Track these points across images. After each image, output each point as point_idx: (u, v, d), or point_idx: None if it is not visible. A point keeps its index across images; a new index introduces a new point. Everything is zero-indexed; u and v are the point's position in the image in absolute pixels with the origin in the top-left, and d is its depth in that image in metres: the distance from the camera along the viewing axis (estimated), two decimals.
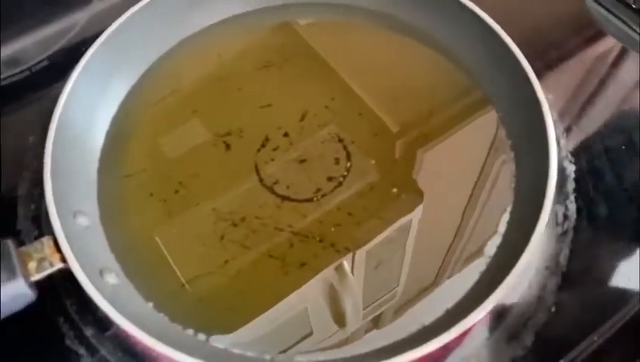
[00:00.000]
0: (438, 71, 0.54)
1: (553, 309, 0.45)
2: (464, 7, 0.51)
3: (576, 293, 0.46)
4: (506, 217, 0.45)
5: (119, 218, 0.46)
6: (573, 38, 0.61)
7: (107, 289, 0.40)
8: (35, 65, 0.57)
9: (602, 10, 0.63)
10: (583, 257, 0.47)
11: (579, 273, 0.47)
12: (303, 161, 0.49)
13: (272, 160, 0.49)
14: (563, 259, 0.47)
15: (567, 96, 0.56)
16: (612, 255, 0.48)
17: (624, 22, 0.62)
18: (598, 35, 0.61)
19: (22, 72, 0.57)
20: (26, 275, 0.38)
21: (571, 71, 0.58)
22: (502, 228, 0.45)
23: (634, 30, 0.61)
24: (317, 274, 0.44)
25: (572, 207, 0.49)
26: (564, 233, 0.48)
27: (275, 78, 0.54)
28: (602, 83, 0.58)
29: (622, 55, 0.60)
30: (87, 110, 0.49)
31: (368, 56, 0.55)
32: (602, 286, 0.47)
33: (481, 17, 0.50)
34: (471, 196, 0.47)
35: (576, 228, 0.48)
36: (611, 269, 0.47)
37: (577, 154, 0.52)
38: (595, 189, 0.50)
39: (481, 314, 0.37)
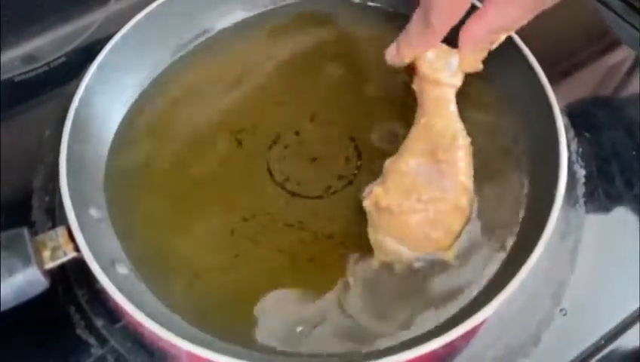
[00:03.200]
0: None
1: (563, 313, 0.45)
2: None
3: (584, 297, 0.46)
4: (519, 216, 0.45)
5: (130, 211, 0.47)
6: (587, 47, 0.61)
7: (118, 279, 0.41)
8: (52, 61, 0.58)
9: (617, 19, 0.63)
10: (593, 260, 0.47)
11: (588, 277, 0.47)
12: (313, 160, 0.50)
13: (284, 157, 0.50)
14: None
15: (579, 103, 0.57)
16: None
17: (637, 29, 0.62)
18: (612, 44, 0.61)
19: (40, 67, 0.58)
20: (40, 263, 0.39)
21: (584, 79, 0.59)
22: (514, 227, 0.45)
23: None
24: (326, 270, 0.44)
25: (581, 210, 0.49)
26: (572, 234, 0.48)
27: (287, 76, 0.55)
28: (615, 91, 0.59)
29: (636, 64, 0.60)
30: (102, 106, 0.50)
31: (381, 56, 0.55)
32: (610, 291, 0.46)
33: None
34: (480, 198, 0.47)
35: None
36: (620, 274, 0.47)
37: (587, 158, 0.52)
38: (605, 194, 0.50)
39: (489, 311, 0.38)
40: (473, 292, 0.42)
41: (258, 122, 0.52)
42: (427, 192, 0.41)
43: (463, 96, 0.47)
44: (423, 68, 0.45)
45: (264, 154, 0.50)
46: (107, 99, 0.50)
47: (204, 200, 0.48)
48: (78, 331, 0.44)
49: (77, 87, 0.48)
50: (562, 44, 0.61)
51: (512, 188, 0.47)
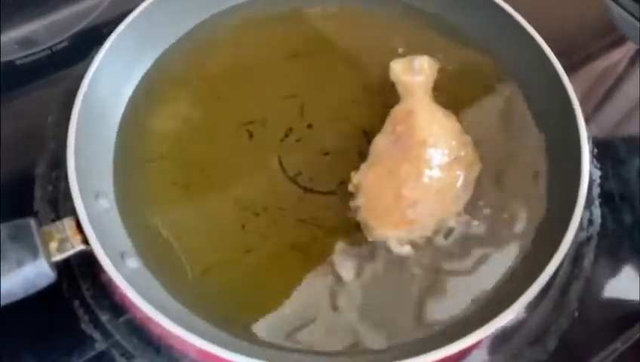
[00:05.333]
0: (467, 66, 0.53)
1: (576, 314, 0.44)
2: (497, 6, 0.51)
3: (599, 299, 0.46)
4: (537, 218, 0.45)
5: (139, 203, 0.45)
6: (595, 42, 0.61)
7: (128, 273, 0.39)
8: (55, 45, 0.56)
9: (627, 16, 0.63)
10: (607, 263, 0.47)
11: (603, 278, 0.46)
12: (326, 154, 0.48)
13: (296, 151, 0.48)
14: (587, 264, 0.47)
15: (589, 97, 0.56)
16: (637, 261, 0.47)
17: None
18: (619, 40, 0.61)
19: (42, 51, 0.56)
20: (48, 255, 0.37)
21: (591, 73, 0.58)
22: (533, 228, 0.44)
23: None
24: (339, 267, 0.43)
25: (597, 212, 0.49)
26: (589, 238, 0.48)
27: (300, 68, 0.53)
28: (619, 84, 0.58)
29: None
30: (110, 91, 0.48)
31: (394, 48, 0.54)
32: (627, 295, 0.46)
33: (518, 20, 0.50)
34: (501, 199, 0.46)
35: (600, 234, 0.48)
36: (635, 276, 0.47)
37: (602, 159, 0.51)
38: (619, 195, 0.50)
39: (509, 315, 0.37)
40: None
41: (268, 114, 0.50)
42: (390, 156, 0.45)
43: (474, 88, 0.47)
44: (393, 76, 0.51)
45: (276, 148, 0.49)
46: (116, 83, 0.49)
47: (214, 193, 0.46)
48: (83, 326, 0.42)
49: (81, 70, 0.47)
50: (571, 37, 0.60)
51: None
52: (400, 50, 0.53)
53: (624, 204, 0.50)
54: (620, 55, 0.60)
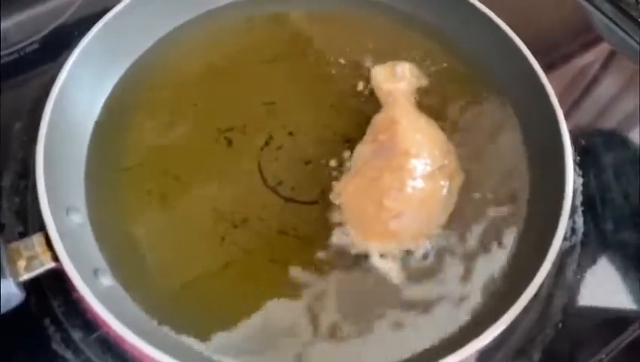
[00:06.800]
0: (451, 74, 0.52)
1: (560, 325, 0.44)
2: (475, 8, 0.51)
3: (583, 309, 0.45)
4: (521, 230, 0.44)
5: (113, 216, 0.43)
6: (570, 42, 0.61)
7: (102, 290, 0.37)
8: (25, 47, 0.54)
9: (605, 20, 0.62)
10: (590, 272, 0.47)
11: (586, 288, 0.46)
12: (308, 162, 0.47)
13: (276, 159, 0.47)
14: (570, 273, 0.46)
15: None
16: (620, 271, 0.47)
17: (625, 32, 0.61)
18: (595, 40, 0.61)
19: (10, 54, 0.53)
20: (15, 275, 0.36)
21: (566, 74, 0.58)
22: (518, 240, 0.44)
23: (635, 40, 0.60)
24: (322, 280, 0.42)
25: (579, 220, 0.48)
26: (572, 247, 0.47)
27: (279, 73, 0.52)
28: (593, 84, 0.58)
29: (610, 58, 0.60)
30: (82, 98, 0.46)
31: (377, 51, 0.53)
32: (610, 302, 0.46)
33: (498, 24, 0.50)
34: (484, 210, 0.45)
35: (583, 243, 0.48)
36: (619, 285, 0.46)
37: (585, 166, 0.51)
38: (602, 203, 0.50)
39: (499, 329, 0.36)
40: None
41: (248, 121, 0.49)
42: (371, 166, 0.44)
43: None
44: (375, 82, 0.51)
45: (256, 156, 0.47)
46: (89, 90, 0.47)
47: (192, 203, 0.45)
48: (54, 345, 0.40)
49: (52, 74, 0.45)
50: (549, 39, 0.60)
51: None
52: (382, 55, 0.52)
53: (606, 211, 0.50)
54: (596, 55, 0.60)
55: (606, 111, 0.56)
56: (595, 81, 0.58)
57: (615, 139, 0.55)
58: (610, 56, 0.60)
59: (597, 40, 0.61)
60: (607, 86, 0.58)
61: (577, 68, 0.59)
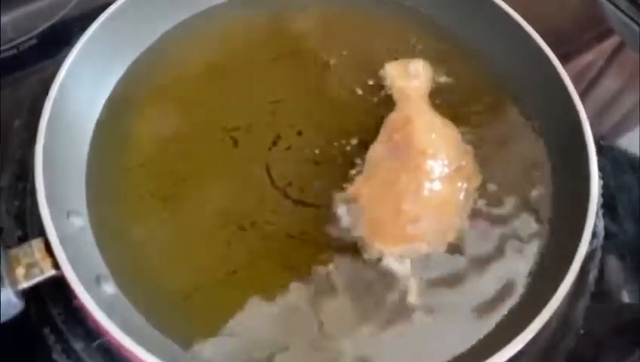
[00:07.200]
0: (466, 73, 0.50)
1: (582, 332, 0.42)
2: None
3: (605, 316, 0.44)
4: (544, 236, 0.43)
5: (116, 218, 0.42)
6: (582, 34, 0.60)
7: (105, 299, 0.36)
8: (23, 42, 0.52)
9: (618, 13, 0.61)
10: (612, 277, 0.45)
11: (608, 294, 0.44)
12: (317, 163, 0.45)
13: (285, 160, 0.45)
14: (592, 279, 0.44)
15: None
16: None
17: (635, 21, 0.60)
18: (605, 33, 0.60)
19: (8, 50, 0.51)
20: (14, 283, 0.34)
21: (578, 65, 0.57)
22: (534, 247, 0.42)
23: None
24: (334, 286, 0.40)
25: (600, 224, 0.47)
26: (593, 251, 0.45)
27: (285, 71, 0.50)
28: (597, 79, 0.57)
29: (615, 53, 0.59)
30: (83, 97, 0.44)
31: (389, 49, 0.51)
32: (633, 309, 0.44)
33: (517, 20, 0.48)
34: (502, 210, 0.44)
35: (604, 247, 0.46)
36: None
37: (604, 167, 0.49)
38: (622, 206, 0.48)
39: (524, 340, 0.35)
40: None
41: (254, 120, 0.47)
42: (386, 167, 0.42)
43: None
44: (388, 80, 0.49)
45: (263, 156, 0.45)
46: (90, 87, 0.45)
47: (197, 206, 0.43)
48: (55, 356, 0.39)
49: (51, 71, 0.43)
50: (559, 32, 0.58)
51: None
52: (394, 53, 0.51)
53: (627, 213, 0.48)
54: (607, 48, 0.59)
55: (610, 106, 0.55)
56: (599, 76, 0.57)
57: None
58: (615, 52, 0.59)
59: (603, 34, 0.60)
60: (611, 81, 0.57)
61: (585, 62, 0.57)
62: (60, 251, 0.35)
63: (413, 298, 0.39)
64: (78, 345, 0.39)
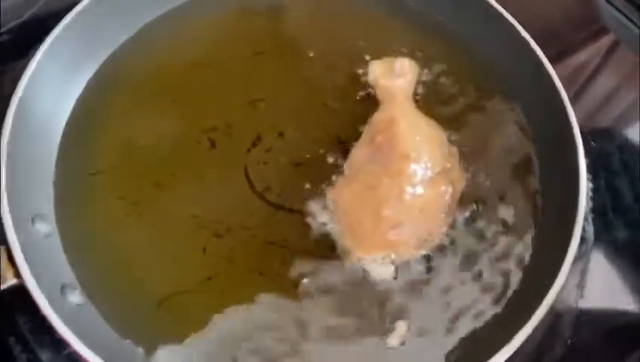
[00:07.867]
0: (458, 66, 0.49)
1: (569, 342, 0.41)
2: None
3: (594, 325, 0.42)
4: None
5: (84, 224, 0.40)
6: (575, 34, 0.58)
7: (70, 310, 0.34)
8: None
9: (614, 12, 0.60)
10: (601, 284, 0.44)
11: (597, 302, 0.43)
12: (298, 165, 0.44)
13: (265, 162, 0.44)
14: (580, 284, 0.43)
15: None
16: (632, 282, 0.44)
17: (630, 20, 0.59)
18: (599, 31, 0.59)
19: None
20: None
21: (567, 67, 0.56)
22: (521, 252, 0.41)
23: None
24: (313, 294, 0.39)
25: (590, 229, 0.45)
26: (582, 256, 0.44)
27: (267, 69, 0.49)
28: (592, 78, 0.56)
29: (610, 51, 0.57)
30: (51, 96, 0.43)
31: (373, 46, 0.50)
32: (622, 317, 0.43)
33: (505, 16, 0.47)
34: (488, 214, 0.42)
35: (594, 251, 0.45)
36: (632, 298, 0.44)
37: (595, 171, 0.48)
38: (613, 210, 0.47)
39: (510, 349, 0.34)
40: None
41: (233, 120, 0.46)
42: (368, 170, 0.41)
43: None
44: (371, 78, 0.48)
45: (242, 158, 0.44)
46: (57, 87, 0.44)
47: (171, 211, 0.42)
48: None
49: (18, 70, 0.42)
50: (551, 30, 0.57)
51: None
52: (379, 50, 0.49)
53: (617, 217, 0.47)
54: (602, 46, 0.58)
55: (605, 105, 0.54)
56: (595, 74, 0.56)
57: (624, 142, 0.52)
58: (611, 50, 0.58)
59: (598, 33, 0.58)
60: (608, 79, 0.55)
61: (579, 62, 0.56)
62: (21, 260, 0.34)
63: (395, 341, 0.38)
64: (45, 356, 0.38)
